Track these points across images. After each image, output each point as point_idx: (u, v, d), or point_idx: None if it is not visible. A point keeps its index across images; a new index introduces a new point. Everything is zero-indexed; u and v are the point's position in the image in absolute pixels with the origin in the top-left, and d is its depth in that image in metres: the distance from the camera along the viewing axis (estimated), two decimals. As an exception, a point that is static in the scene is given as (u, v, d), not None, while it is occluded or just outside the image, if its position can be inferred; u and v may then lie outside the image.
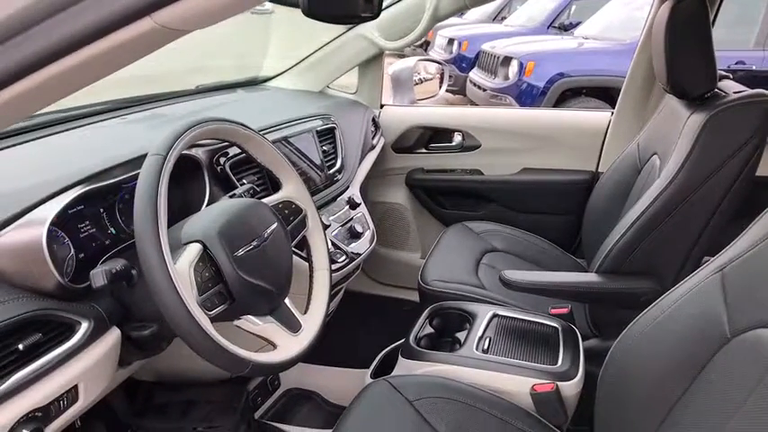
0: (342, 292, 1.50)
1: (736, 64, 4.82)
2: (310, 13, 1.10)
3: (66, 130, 1.11)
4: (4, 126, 0.51)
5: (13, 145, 1.02)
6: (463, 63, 6.52)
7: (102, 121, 1.23)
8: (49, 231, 0.76)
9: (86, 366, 0.78)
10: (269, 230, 0.86)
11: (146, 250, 0.68)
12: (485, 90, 5.20)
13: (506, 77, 4.99)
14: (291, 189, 0.99)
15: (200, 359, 1.30)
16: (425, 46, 8.15)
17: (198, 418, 1.21)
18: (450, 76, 6.61)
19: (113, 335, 0.82)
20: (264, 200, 0.94)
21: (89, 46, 0.41)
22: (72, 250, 0.84)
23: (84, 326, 0.77)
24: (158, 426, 1.21)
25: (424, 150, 2.03)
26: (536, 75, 4.77)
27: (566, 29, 6.68)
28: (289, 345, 0.85)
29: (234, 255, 0.79)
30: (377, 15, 1.22)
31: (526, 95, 4.80)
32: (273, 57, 2.07)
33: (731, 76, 1.37)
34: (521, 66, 4.82)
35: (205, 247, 0.77)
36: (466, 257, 1.64)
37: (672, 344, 0.89)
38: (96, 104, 1.31)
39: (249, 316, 0.83)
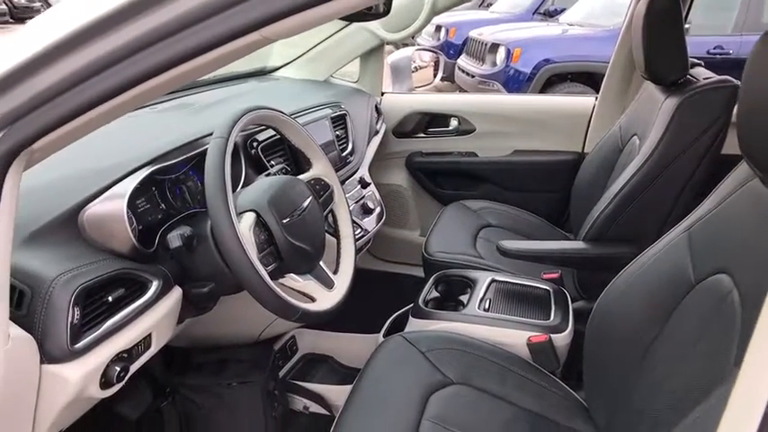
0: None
1: (714, 49, 5.00)
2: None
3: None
4: (143, 102, 0.65)
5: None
6: (451, 50, 6.64)
7: (131, 112, 1.35)
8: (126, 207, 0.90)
9: (157, 318, 0.92)
10: (306, 202, 1.01)
11: (217, 217, 0.83)
12: (473, 76, 5.34)
13: (494, 64, 5.13)
14: (320, 168, 1.14)
15: (230, 325, 1.45)
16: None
17: (231, 374, 1.36)
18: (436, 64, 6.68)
19: (177, 293, 0.97)
20: (299, 176, 1.08)
21: (212, 51, 0.55)
22: (135, 223, 0.98)
23: (155, 284, 0.91)
24: (195, 382, 1.35)
25: (422, 135, 2.18)
26: (523, 61, 4.92)
27: (550, 15, 6.83)
28: (326, 298, 1.00)
29: (282, 221, 0.93)
30: (387, 14, 1.36)
31: (513, 81, 4.96)
32: (280, 48, 2.18)
33: (702, 64, 1.53)
34: (508, 52, 4.97)
35: (258, 215, 0.92)
36: (464, 232, 1.79)
37: (646, 294, 1.05)
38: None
39: (292, 274, 0.98)
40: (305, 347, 1.75)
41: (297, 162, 1.26)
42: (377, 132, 1.93)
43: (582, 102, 2.03)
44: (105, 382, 0.83)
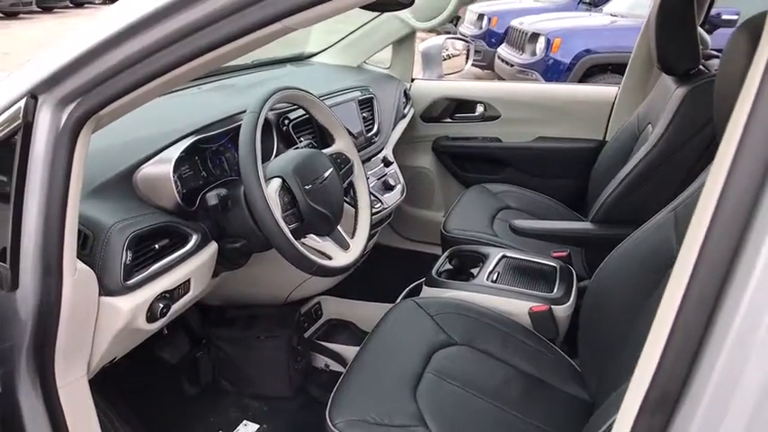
0: (377, 235, 1.78)
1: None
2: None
3: (162, 96, 1.39)
4: (186, 80, 0.78)
5: None
6: (492, 38, 6.65)
7: (180, 90, 1.51)
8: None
9: (196, 266, 1.07)
10: (327, 173, 1.14)
11: (249, 181, 0.97)
12: (512, 66, 5.36)
13: (533, 53, 5.15)
14: (342, 144, 1.27)
15: (260, 286, 1.60)
16: (456, 21, 8.25)
17: (260, 328, 1.52)
18: (478, 51, 6.68)
19: (213, 247, 1.11)
20: (323, 150, 1.21)
21: (243, 38, 0.68)
22: (180, 185, 1.13)
23: (195, 237, 1.06)
24: (227, 334, 1.52)
25: (449, 120, 2.28)
26: (562, 51, 4.91)
27: (595, 5, 6.74)
28: (341, 257, 1.13)
29: (304, 187, 1.06)
30: (411, 3, 1.47)
31: (552, 71, 4.96)
32: (318, 35, 2.32)
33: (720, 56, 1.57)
34: (548, 42, 4.97)
35: (284, 180, 1.05)
36: (483, 213, 1.89)
37: (635, 269, 1.13)
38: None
39: (313, 235, 1.11)
40: (329, 313, 1.89)
41: (323, 138, 1.39)
42: (404, 116, 2.04)
43: (605, 91, 2.08)
44: (151, 316, 0.99)
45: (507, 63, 5.49)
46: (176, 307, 1.05)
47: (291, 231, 1.04)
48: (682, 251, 0.56)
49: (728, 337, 0.50)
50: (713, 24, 4.68)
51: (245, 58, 2.01)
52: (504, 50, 5.75)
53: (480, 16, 7.07)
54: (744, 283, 0.49)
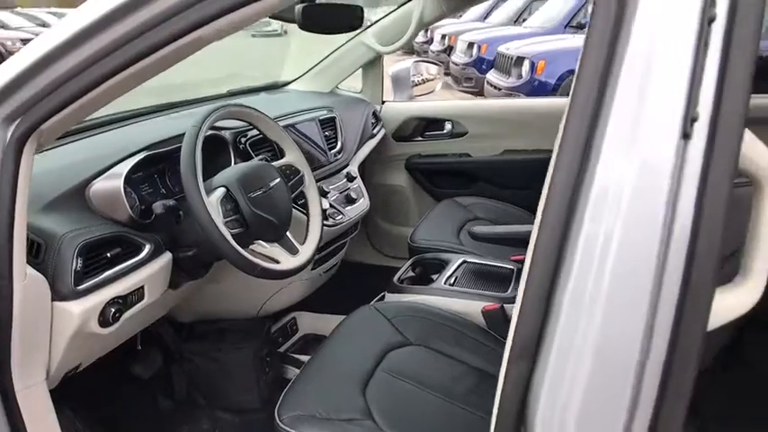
0: (346, 245, 1.85)
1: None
2: (304, 26, 1.45)
3: (127, 125, 1.48)
4: (121, 91, 0.86)
5: (82, 138, 1.37)
6: (483, 65, 6.81)
7: (152, 119, 1.61)
8: (124, 184, 1.13)
9: (149, 274, 1.13)
10: (273, 182, 1.21)
11: (188, 187, 1.04)
12: (500, 89, 5.49)
13: (519, 76, 5.30)
14: (292, 157, 1.34)
15: (229, 302, 1.66)
16: (449, 51, 8.47)
17: (227, 342, 1.57)
18: (470, 78, 6.91)
19: (167, 256, 1.18)
20: (272, 163, 1.29)
21: (159, 51, 0.76)
22: (137, 201, 1.20)
23: (148, 247, 1.13)
24: (197, 348, 1.57)
25: (420, 138, 2.36)
26: (547, 73, 5.04)
27: (582, 27, 6.89)
28: (288, 262, 1.19)
29: (248, 195, 1.14)
30: (359, 26, 1.57)
31: (538, 92, 5.07)
32: (291, 66, 2.43)
33: None
34: (532, 65, 5.11)
35: (227, 189, 1.12)
36: (451, 224, 1.95)
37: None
38: (148, 107, 1.68)
39: (260, 241, 1.18)
40: (305, 328, 1.94)
41: (282, 153, 1.47)
42: (373, 136, 2.12)
43: (564, 102, 2.15)
44: (103, 321, 1.05)
45: (495, 87, 5.62)
46: (131, 313, 1.11)
47: (236, 236, 1.10)
48: (531, 236, 0.63)
49: (563, 307, 0.56)
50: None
51: (219, 88, 2.13)
52: (492, 75, 5.90)
53: (470, 45, 7.26)
54: (570, 264, 0.55)
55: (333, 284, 2.02)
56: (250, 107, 1.27)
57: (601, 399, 0.56)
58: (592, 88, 0.56)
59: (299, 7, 1.37)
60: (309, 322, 1.95)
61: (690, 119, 0.52)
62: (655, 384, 0.54)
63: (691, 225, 0.53)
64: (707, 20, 0.52)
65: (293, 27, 1.44)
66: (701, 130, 0.53)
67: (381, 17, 2.14)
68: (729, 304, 0.58)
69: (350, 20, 1.51)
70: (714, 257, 0.53)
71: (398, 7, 2.10)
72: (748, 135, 0.58)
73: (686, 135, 0.52)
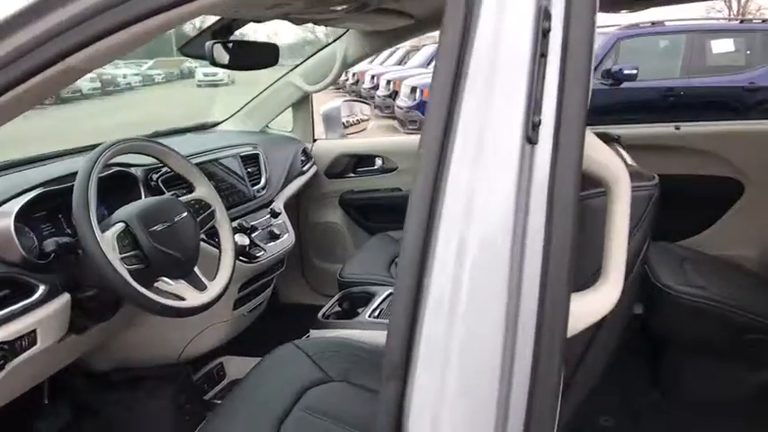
0: (272, 284, 1.80)
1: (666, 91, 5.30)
2: (216, 63, 1.45)
3: (24, 169, 1.40)
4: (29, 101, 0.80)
5: None
6: (425, 108, 7.06)
7: (54, 162, 1.51)
8: (18, 225, 1.07)
9: (43, 317, 1.06)
10: (179, 217, 1.18)
11: (79, 222, 0.99)
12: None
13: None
14: (202, 191, 1.32)
15: (147, 347, 1.58)
16: (394, 95, 8.69)
17: (142, 390, 1.48)
18: (414, 121, 7.61)
19: (64, 297, 1.11)
20: (180, 198, 1.26)
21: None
22: (36, 242, 1.14)
23: (42, 288, 1.07)
24: (110, 398, 1.47)
25: (352, 174, 2.37)
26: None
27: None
28: (195, 298, 1.14)
29: (149, 230, 1.10)
30: (275, 63, 1.58)
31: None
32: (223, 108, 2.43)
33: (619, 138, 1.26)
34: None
35: (126, 224, 1.08)
36: (382, 258, 1.94)
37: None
38: (52, 153, 1.59)
39: (164, 278, 1.13)
40: (233, 374, 1.86)
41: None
42: (303, 173, 2.12)
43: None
44: (-14, 369, 0.97)
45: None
46: (20, 360, 1.04)
47: (135, 273, 1.06)
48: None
49: (425, 318, 0.55)
50: (617, 79, 5.10)
51: (145, 129, 2.09)
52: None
53: (413, 89, 7.51)
54: (430, 274, 0.55)
55: (264, 326, 1.96)
56: (155, 141, 1.24)
57: (470, 409, 0.55)
58: (443, 99, 0.57)
59: (209, 44, 1.38)
60: (238, 367, 1.87)
61: (531, 124, 0.53)
62: (525, 385, 0.53)
63: (544, 226, 0.54)
64: (541, 32, 0.54)
65: (240, 75, 1.44)
66: (546, 134, 0.55)
67: (306, 58, 2.18)
68: (589, 308, 0.58)
69: (262, 57, 1.53)
70: (567, 256, 0.53)
71: (323, 48, 2.14)
72: (596, 141, 0.60)
73: (530, 140, 0.54)
